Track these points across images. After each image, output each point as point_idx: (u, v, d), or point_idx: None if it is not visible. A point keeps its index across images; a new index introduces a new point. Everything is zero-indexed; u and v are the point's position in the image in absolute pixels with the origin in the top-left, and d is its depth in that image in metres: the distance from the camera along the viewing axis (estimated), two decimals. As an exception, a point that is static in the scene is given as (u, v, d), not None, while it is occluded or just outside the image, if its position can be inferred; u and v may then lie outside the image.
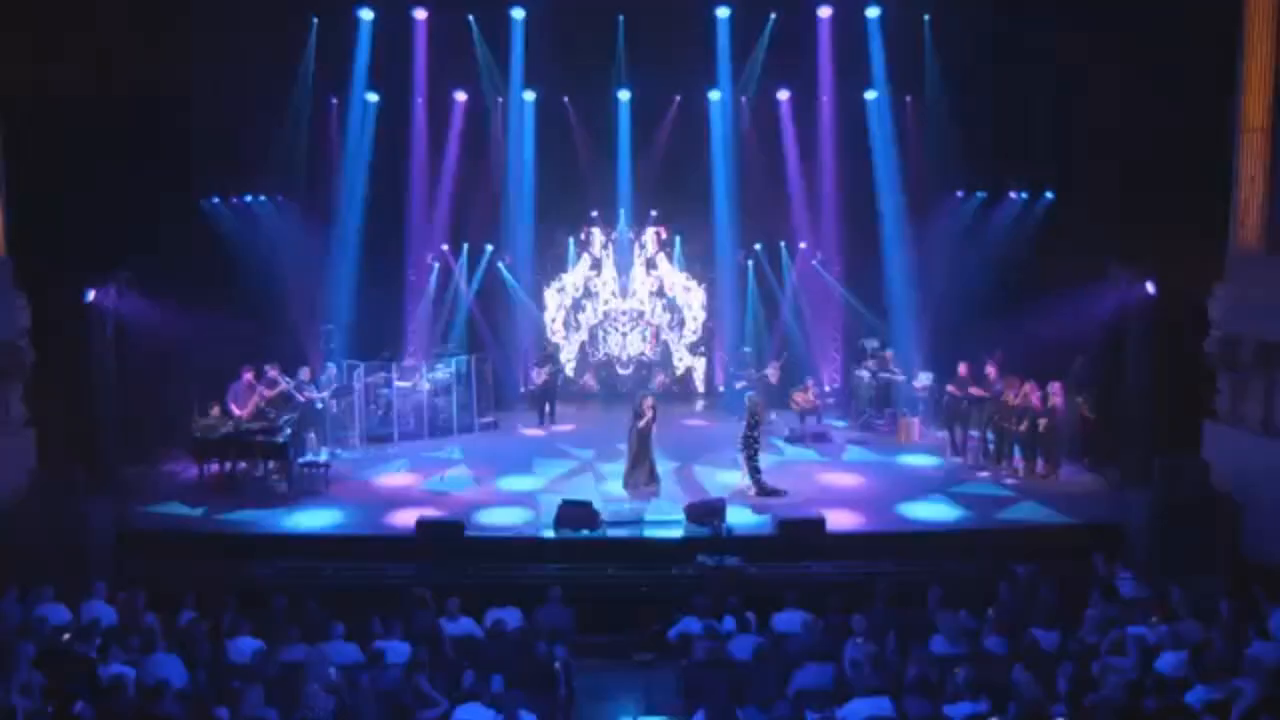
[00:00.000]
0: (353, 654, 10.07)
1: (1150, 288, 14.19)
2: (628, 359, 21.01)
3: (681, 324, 21.05)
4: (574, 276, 20.86)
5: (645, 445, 14.83)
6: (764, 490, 14.62)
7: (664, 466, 15.57)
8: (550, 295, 20.92)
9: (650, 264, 20.93)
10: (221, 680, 9.37)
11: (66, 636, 10.35)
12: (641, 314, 20.95)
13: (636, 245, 20.80)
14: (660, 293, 20.97)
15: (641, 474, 14.80)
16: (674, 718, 9.68)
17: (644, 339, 20.97)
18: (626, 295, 20.87)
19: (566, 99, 19.18)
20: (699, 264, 20.90)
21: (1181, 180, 14.04)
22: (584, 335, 21.07)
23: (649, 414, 14.85)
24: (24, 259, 13.87)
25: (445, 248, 19.98)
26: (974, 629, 10.52)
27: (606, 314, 20.96)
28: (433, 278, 20.04)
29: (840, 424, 18.83)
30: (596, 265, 20.91)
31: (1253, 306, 13.02)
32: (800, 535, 13.06)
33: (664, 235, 20.78)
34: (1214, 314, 13.78)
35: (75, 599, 10.95)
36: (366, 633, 10.35)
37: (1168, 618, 10.56)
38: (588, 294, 20.92)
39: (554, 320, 20.98)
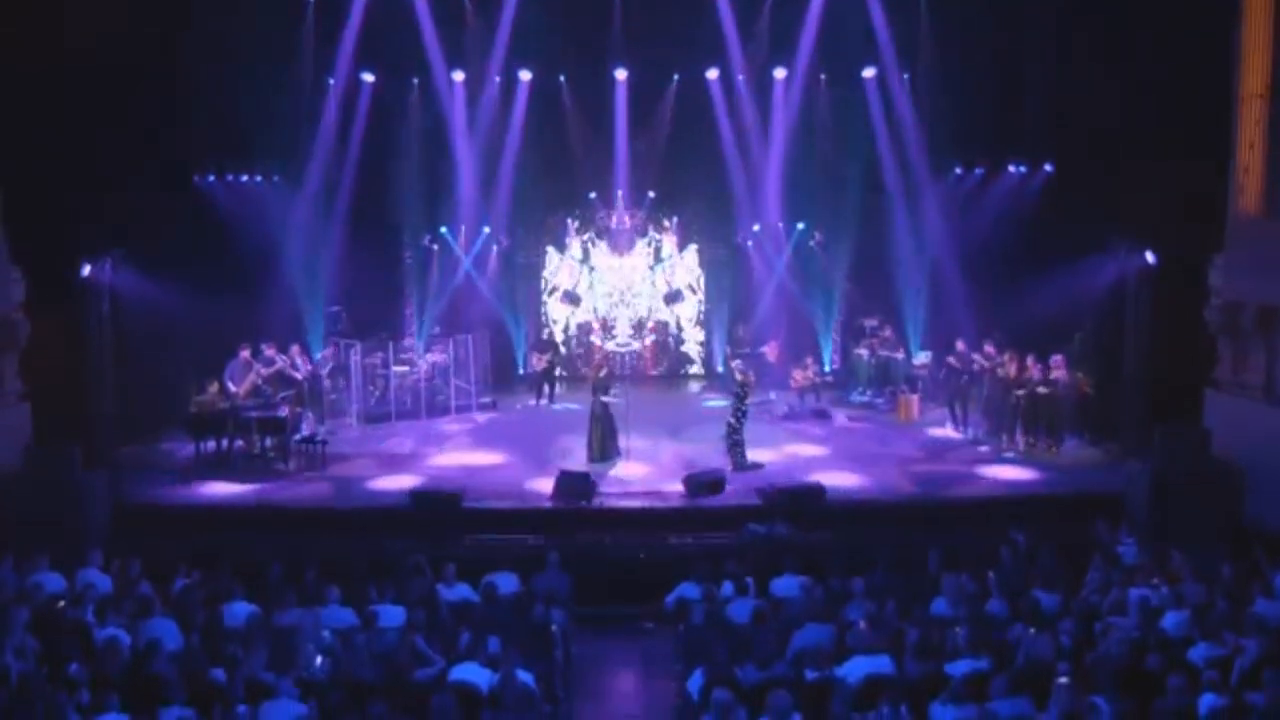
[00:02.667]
0: (348, 619, 10.00)
1: (1150, 257, 14.11)
2: (623, 347, 20.96)
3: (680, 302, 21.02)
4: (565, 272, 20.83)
5: (608, 417, 14.88)
6: (741, 465, 14.55)
7: (658, 440, 15.67)
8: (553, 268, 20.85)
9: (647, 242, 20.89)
10: (217, 644, 9.30)
11: (61, 604, 10.31)
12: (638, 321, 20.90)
13: (633, 227, 20.73)
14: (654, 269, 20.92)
15: (604, 444, 14.84)
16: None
17: (638, 330, 20.88)
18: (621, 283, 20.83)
19: (562, 78, 19.06)
20: (697, 244, 20.83)
21: (1181, 149, 13.93)
22: (581, 320, 21.01)
23: (614, 390, 14.99)
24: (19, 232, 13.79)
25: (444, 229, 19.88)
26: (975, 593, 10.44)
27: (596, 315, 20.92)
28: (430, 259, 19.96)
29: (854, 395, 18.81)
30: (591, 251, 20.86)
31: (1253, 272, 12.97)
32: (800, 503, 13.02)
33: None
34: (1214, 281, 13.72)
35: (70, 569, 10.90)
36: (362, 599, 10.29)
37: (1170, 580, 10.51)
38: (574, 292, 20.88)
39: (550, 300, 20.94)
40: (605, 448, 14.88)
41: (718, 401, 18.95)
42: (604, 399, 14.81)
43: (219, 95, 16.11)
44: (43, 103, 13.90)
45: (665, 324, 21.09)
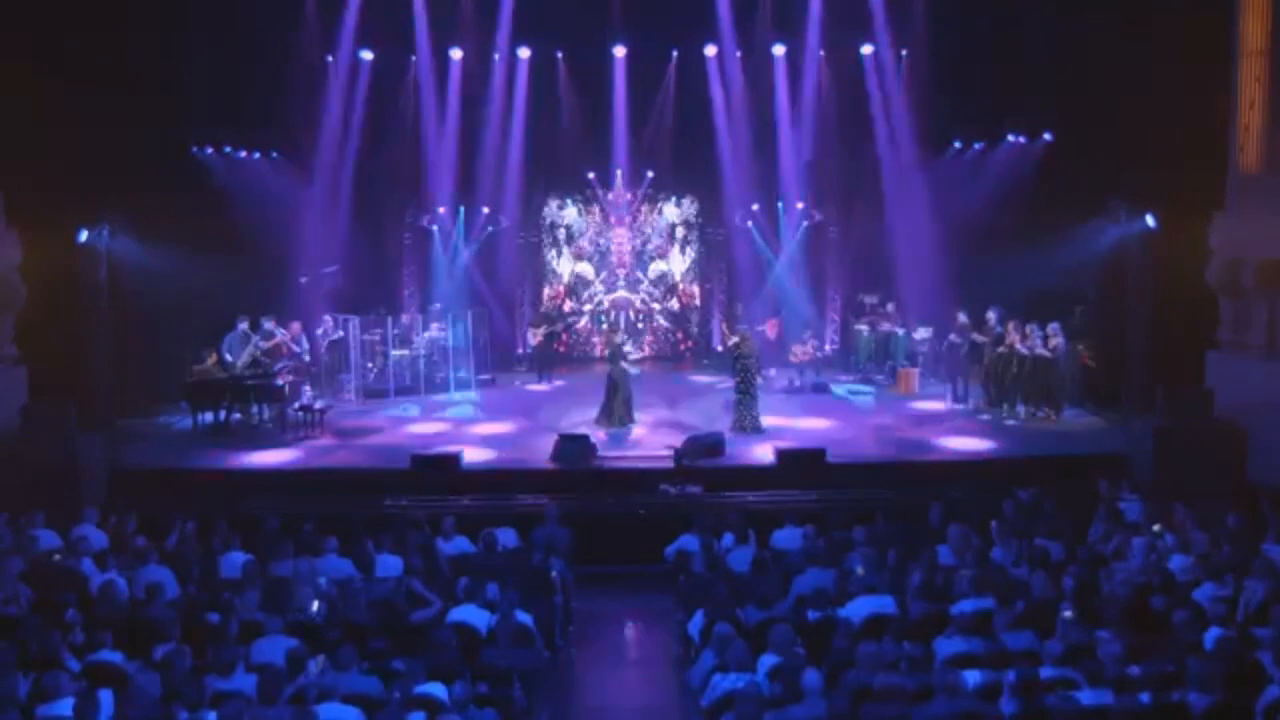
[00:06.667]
0: (346, 569, 9.92)
1: (1150, 220, 14.05)
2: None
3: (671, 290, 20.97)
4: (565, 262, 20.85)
5: (624, 382, 14.85)
6: (742, 428, 14.58)
7: (658, 409, 15.67)
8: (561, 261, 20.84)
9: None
10: (213, 591, 9.22)
11: (56, 558, 10.23)
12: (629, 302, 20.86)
13: (631, 207, 20.67)
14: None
15: (619, 410, 14.83)
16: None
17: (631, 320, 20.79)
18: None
19: (560, 55, 19.01)
20: (696, 224, 20.78)
21: (1180, 108, 13.85)
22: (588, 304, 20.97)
23: (626, 353, 15.02)
24: (19, 196, 13.73)
25: (442, 210, 19.80)
26: (979, 545, 10.34)
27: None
28: (429, 238, 19.88)
29: (844, 378, 18.69)
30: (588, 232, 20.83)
31: (1254, 230, 12.92)
32: (801, 465, 12.95)
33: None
34: (1215, 241, 13.67)
35: (65, 527, 10.82)
36: (360, 552, 10.21)
37: (1174, 530, 10.44)
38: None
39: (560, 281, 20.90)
40: (621, 413, 14.87)
41: (697, 379, 18.99)
42: (622, 365, 14.79)
43: (219, 69, 16.06)
44: (42, 65, 13.81)
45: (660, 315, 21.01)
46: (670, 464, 13.13)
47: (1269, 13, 12.74)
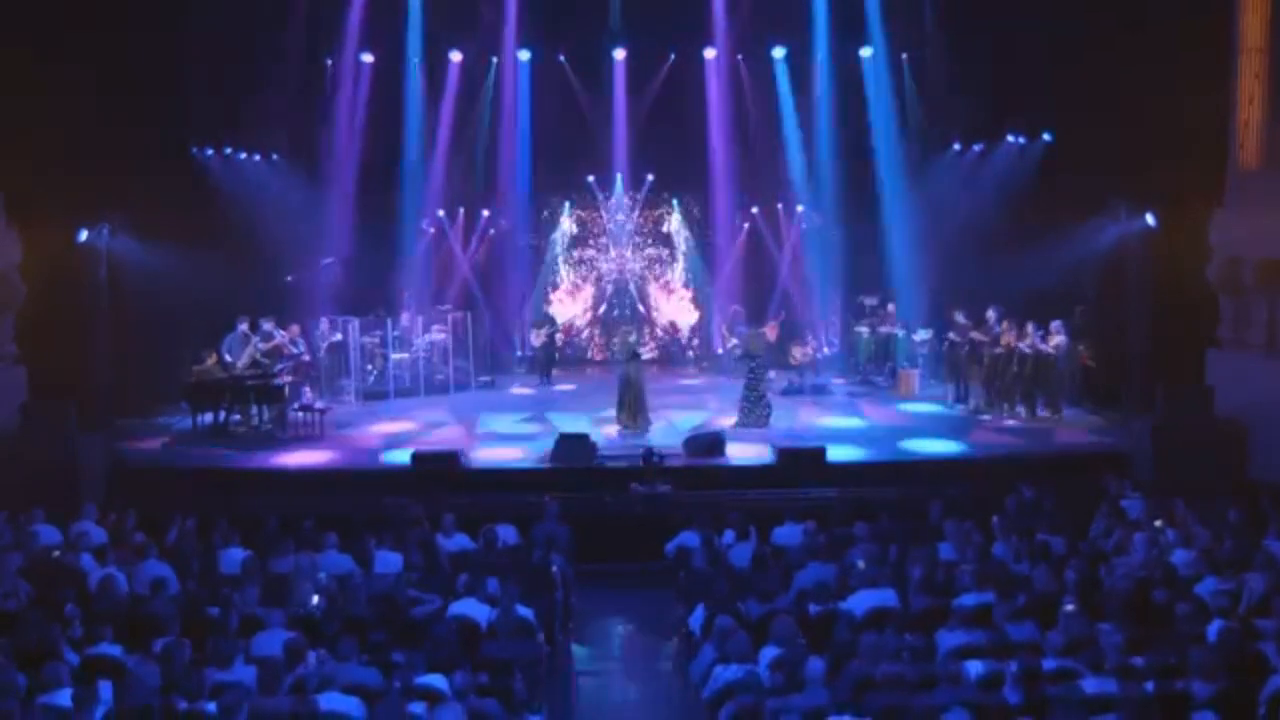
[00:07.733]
0: (346, 565, 9.91)
1: (1150, 219, 14.05)
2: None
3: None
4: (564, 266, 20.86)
5: (639, 382, 14.81)
6: (746, 423, 14.63)
7: (661, 412, 15.61)
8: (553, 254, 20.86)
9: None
10: (213, 587, 9.20)
11: (56, 554, 10.21)
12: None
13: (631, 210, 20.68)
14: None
15: (633, 411, 14.79)
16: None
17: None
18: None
19: (562, 57, 19.03)
20: (697, 227, 20.79)
21: (1180, 105, 13.84)
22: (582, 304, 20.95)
23: (641, 351, 15.00)
24: (19, 195, 13.72)
25: (441, 213, 19.80)
26: (980, 541, 10.32)
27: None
28: (429, 241, 19.89)
29: (840, 380, 18.68)
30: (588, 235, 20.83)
31: (1254, 226, 12.92)
32: (800, 464, 12.93)
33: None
34: (1215, 239, 13.66)
35: (65, 524, 10.80)
36: (360, 548, 10.19)
37: (1176, 526, 10.42)
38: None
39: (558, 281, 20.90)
40: (638, 415, 14.78)
41: (696, 381, 19.01)
42: (637, 359, 14.82)
43: (219, 70, 16.07)
44: (43, 64, 13.80)
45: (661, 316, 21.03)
46: (640, 462, 13.10)
47: (1268, 9, 12.76)
